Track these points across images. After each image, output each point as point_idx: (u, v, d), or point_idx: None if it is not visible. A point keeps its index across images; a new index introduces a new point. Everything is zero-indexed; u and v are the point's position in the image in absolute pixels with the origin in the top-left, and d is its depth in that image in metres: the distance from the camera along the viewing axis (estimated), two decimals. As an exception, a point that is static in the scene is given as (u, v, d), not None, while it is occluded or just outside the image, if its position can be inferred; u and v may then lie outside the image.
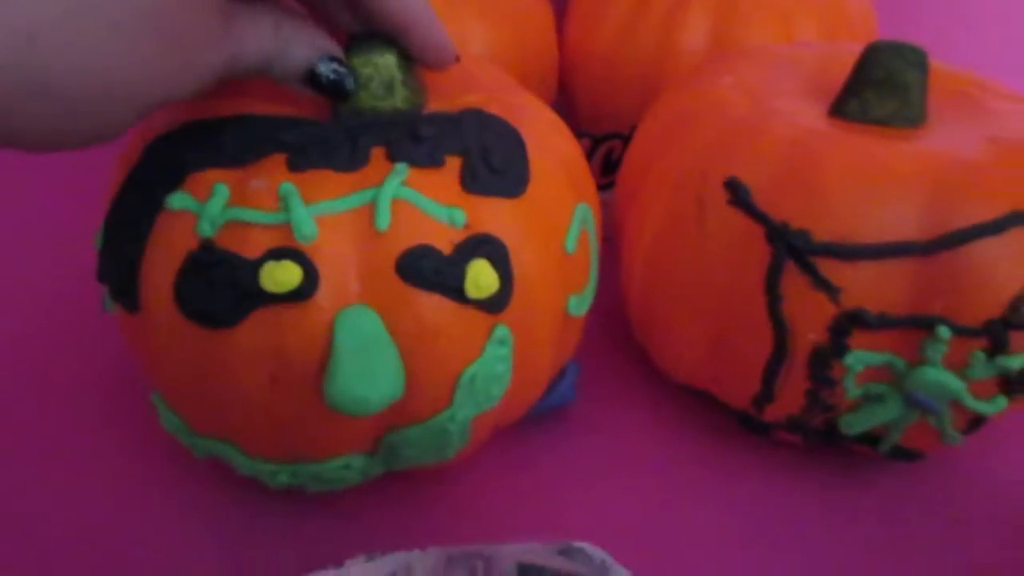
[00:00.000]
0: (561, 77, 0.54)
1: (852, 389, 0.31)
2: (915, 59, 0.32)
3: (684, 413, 0.39)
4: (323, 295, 0.26)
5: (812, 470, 0.36)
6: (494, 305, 0.27)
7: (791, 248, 0.30)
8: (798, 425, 0.34)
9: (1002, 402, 0.31)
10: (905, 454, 0.34)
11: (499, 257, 0.27)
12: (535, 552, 0.23)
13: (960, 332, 0.29)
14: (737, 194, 0.31)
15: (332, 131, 0.28)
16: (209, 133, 0.28)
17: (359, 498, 0.34)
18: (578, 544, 0.23)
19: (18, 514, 0.33)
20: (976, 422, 0.32)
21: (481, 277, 0.27)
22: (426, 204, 0.27)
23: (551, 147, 0.31)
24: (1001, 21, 0.67)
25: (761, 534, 0.33)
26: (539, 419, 0.37)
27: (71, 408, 0.38)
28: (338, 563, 0.24)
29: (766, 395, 0.33)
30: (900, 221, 0.29)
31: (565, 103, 0.55)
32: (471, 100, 0.31)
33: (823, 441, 0.34)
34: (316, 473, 0.30)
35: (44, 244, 0.51)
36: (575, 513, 0.34)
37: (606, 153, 0.50)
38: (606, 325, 0.44)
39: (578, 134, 0.48)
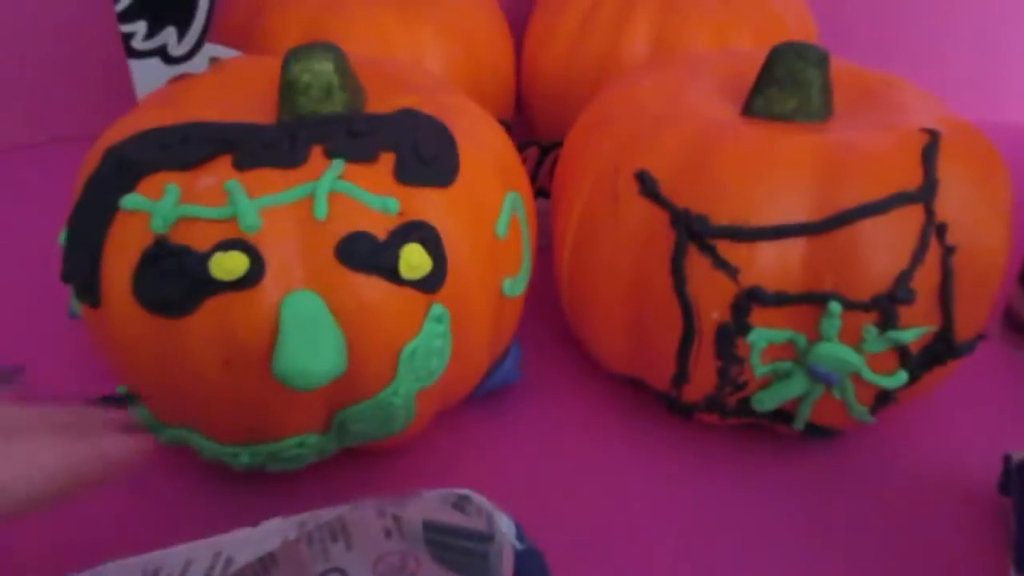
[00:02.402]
0: (520, 93, 0.57)
1: (759, 367, 0.33)
2: (815, 58, 0.34)
3: (616, 399, 0.41)
4: (269, 281, 0.28)
5: (735, 451, 0.38)
6: (429, 285, 0.30)
7: (692, 232, 0.32)
8: (716, 404, 0.35)
9: (902, 376, 0.33)
10: (819, 431, 0.36)
11: (431, 240, 0.30)
12: (436, 508, 0.25)
13: (851, 307, 0.31)
14: (645, 184, 0.33)
15: (274, 133, 0.30)
16: (161, 139, 0.30)
17: (318, 477, 0.36)
18: (465, 492, 0.25)
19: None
20: (883, 398, 0.34)
21: (414, 259, 0.29)
22: (361, 195, 0.29)
23: (482, 142, 0.34)
24: (941, 27, 0.69)
25: (678, 509, 0.35)
26: (484, 399, 0.40)
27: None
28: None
29: (681, 375, 0.35)
30: (791, 204, 0.31)
31: (525, 118, 0.58)
32: (406, 101, 0.34)
33: (741, 419, 0.36)
34: (274, 452, 0.32)
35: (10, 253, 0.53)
36: (503, 482, 0.36)
37: (554, 161, 0.53)
38: (549, 318, 0.46)
39: (528, 144, 0.50)
